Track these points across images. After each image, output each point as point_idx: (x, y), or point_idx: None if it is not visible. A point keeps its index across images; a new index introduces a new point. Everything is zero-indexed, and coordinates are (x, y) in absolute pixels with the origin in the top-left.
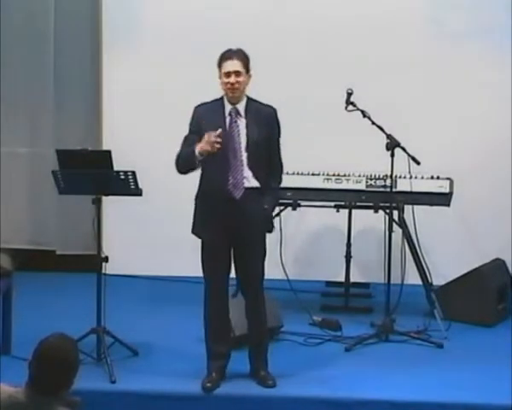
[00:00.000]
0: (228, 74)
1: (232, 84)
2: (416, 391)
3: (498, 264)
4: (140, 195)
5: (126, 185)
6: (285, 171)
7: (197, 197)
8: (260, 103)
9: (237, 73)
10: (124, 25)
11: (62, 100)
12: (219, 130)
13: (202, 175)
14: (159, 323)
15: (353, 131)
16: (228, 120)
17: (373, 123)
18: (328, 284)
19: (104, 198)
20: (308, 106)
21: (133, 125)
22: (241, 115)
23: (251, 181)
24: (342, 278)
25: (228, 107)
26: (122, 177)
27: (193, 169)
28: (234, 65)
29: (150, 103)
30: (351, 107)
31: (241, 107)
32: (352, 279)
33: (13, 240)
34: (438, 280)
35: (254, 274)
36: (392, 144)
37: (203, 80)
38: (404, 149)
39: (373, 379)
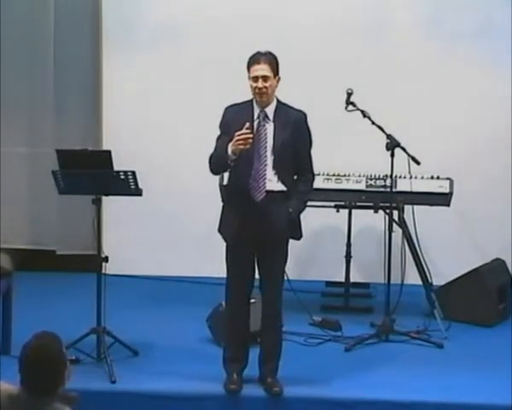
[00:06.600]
0: (255, 79)
1: (260, 88)
2: (416, 391)
3: (498, 264)
4: (140, 195)
5: (126, 185)
6: None
7: (223, 198)
8: (290, 107)
9: (264, 78)
10: (124, 25)
11: (62, 100)
12: (247, 124)
13: (229, 176)
14: (159, 323)
15: (353, 131)
16: (256, 123)
17: (373, 123)
18: (328, 284)
19: (104, 198)
20: (308, 106)
21: (133, 125)
22: (269, 119)
23: (275, 184)
24: (342, 278)
25: (257, 110)
26: (122, 177)
27: (225, 170)
28: (261, 69)
29: (150, 103)
30: (351, 107)
31: (270, 110)
32: (352, 279)
33: (13, 240)
34: (438, 280)
35: (273, 278)
36: (392, 144)
37: (203, 80)
38: (404, 149)
39: (373, 379)
